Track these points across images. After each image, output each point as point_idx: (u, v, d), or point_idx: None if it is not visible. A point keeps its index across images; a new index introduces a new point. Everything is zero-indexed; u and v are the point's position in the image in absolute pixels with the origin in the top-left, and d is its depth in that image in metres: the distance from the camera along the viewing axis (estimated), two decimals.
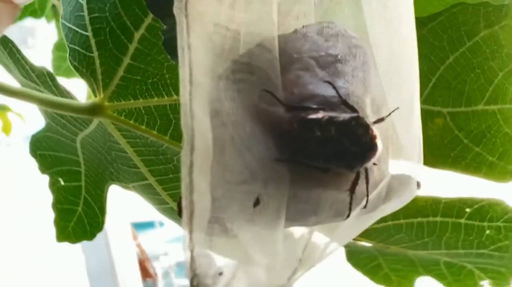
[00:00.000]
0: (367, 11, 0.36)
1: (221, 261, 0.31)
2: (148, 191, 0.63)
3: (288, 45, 0.34)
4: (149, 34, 0.54)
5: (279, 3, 0.34)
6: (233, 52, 0.32)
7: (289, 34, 0.35)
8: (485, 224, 0.53)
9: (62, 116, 0.61)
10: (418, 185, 0.37)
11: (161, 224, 2.31)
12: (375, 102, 0.34)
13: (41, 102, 0.57)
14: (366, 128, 0.32)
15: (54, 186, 0.66)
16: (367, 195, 0.34)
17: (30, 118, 1.35)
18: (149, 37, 0.54)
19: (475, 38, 0.48)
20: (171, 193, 0.61)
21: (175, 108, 0.56)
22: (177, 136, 0.57)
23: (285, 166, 0.32)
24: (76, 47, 0.57)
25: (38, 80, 0.58)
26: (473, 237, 0.53)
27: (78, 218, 0.66)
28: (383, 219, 0.42)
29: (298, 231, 0.36)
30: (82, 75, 0.58)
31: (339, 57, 0.33)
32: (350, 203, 0.34)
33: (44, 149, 0.65)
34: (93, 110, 0.57)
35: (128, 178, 0.63)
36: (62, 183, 0.66)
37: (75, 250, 1.67)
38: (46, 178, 0.67)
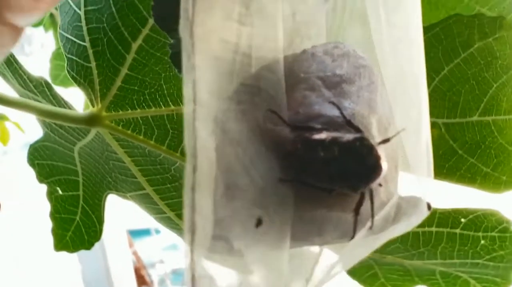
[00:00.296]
0: (376, 31, 0.36)
1: (223, 282, 0.31)
2: (145, 201, 0.63)
3: (296, 65, 0.34)
4: (147, 45, 0.54)
5: (290, 25, 0.34)
6: (238, 73, 0.32)
7: (298, 54, 0.35)
8: (480, 234, 0.53)
9: (60, 126, 0.61)
10: (429, 206, 0.37)
11: (157, 231, 2.31)
12: (382, 122, 0.34)
13: (39, 112, 0.57)
14: (371, 148, 0.32)
15: (52, 195, 0.66)
16: (372, 216, 0.34)
17: (27, 126, 1.35)
18: (147, 47, 0.54)
19: (470, 50, 0.49)
20: (169, 202, 0.61)
21: (173, 119, 0.57)
22: (175, 146, 0.58)
23: (289, 186, 0.32)
24: (74, 57, 0.57)
25: (36, 90, 0.59)
26: (468, 247, 0.53)
27: (76, 227, 0.67)
28: None
29: (307, 251, 0.36)
30: (80, 85, 0.58)
31: (345, 77, 0.33)
32: (355, 224, 0.33)
33: (42, 159, 0.65)
34: (90, 120, 0.57)
35: (126, 188, 0.63)
36: (60, 192, 0.66)
37: (71, 258, 1.66)
38: (43, 187, 0.67)
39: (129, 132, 0.58)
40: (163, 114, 0.57)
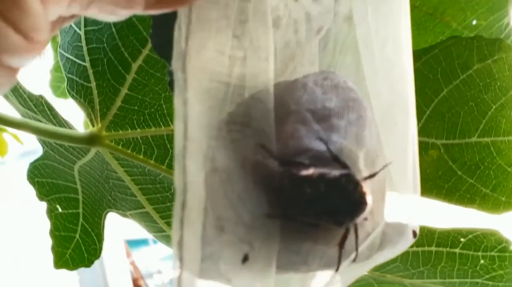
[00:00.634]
0: (368, 61, 0.36)
1: None
2: (145, 219, 0.63)
3: (287, 95, 0.34)
4: (147, 65, 0.55)
5: (284, 53, 0.35)
6: (230, 105, 0.32)
7: (290, 82, 0.35)
8: (480, 253, 0.53)
9: (60, 145, 0.61)
10: (414, 234, 0.37)
11: (155, 241, 2.30)
12: (370, 155, 0.34)
13: (39, 132, 0.57)
14: (356, 185, 0.33)
15: (51, 213, 0.66)
16: (357, 249, 0.34)
17: (25, 137, 1.35)
18: (147, 68, 0.55)
19: (469, 71, 0.49)
20: (169, 221, 0.62)
21: (173, 138, 0.57)
22: None
23: (276, 221, 0.32)
24: (74, 77, 0.57)
25: (36, 109, 0.59)
26: (467, 266, 0.54)
27: (76, 245, 0.67)
28: None
29: (294, 276, 0.36)
30: (80, 105, 0.58)
31: (335, 111, 0.33)
32: (339, 258, 0.34)
33: (42, 177, 0.65)
34: (90, 139, 0.58)
35: (126, 206, 0.63)
36: (60, 210, 0.66)
37: None
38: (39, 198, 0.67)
39: (129, 151, 0.58)
40: (163, 133, 0.57)
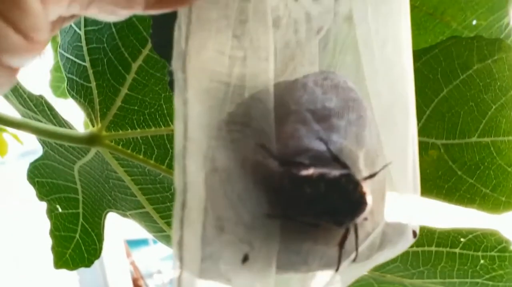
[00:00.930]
0: (368, 61, 0.36)
1: None
2: (145, 219, 0.63)
3: (287, 95, 0.34)
4: (147, 65, 0.55)
5: (284, 53, 0.35)
6: (230, 105, 0.32)
7: (290, 82, 0.35)
8: (480, 253, 0.53)
9: (60, 145, 0.61)
10: (414, 234, 0.37)
11: (155, 241, 2.30)
12: (370, 155, 0.34)
13: (39, 132, 0.57)
14: (356, 185, 0.33)
15: (51, 213, 0.66)
16: (356, 249, 0.34)
17: (25, 137, 1.35)
18: (147, 67, 0.55)
19: (469, 71, 0.49)
20: (169, 221, 0.61)
21: (173, 138, 0.57)
22: None
23: (276, 221, 0.32)
24: (74, 77, 0.57)
25: (36, 109, 0.59)
26: (467, 266, 0.54)
27: (76, 245, 0.67)
28: None
29: (294, 276, 0.36)
30: (80, 105, 0.58)
31: (335, 111, 0.33)
32: (339, 258, 0.34)
33: (42, 177, 0.65)
34: (90, 139, 0.58)
35: (126, 206, 0.63)
36: (60, 210, 0.66)
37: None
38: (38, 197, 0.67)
39: (129, 151, 0.58)
40: (163, 133, 0.57)
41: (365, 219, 0.34)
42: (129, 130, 0.57)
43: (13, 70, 0.26)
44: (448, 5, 0.54)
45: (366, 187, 0.33)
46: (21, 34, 0.25)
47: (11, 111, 0.61)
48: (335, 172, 0.32)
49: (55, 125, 0.59)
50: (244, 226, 0.31)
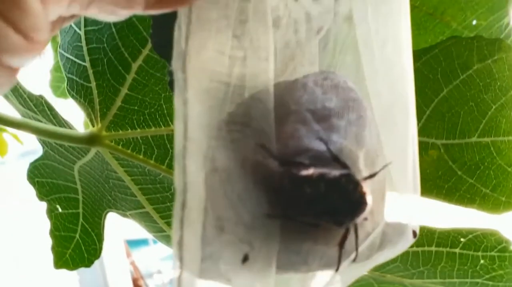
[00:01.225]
0: (368, 61, 0.36)
1: None
2: (145, 219, 0.63)
3: (287, 95, 0.34)
4: (147, 65, 0.55)
5: (284, 53, 0.35)
6: (230, 105, 0.32)
7: (290, 82, 0.35)
8: (480, 253, 0.53)
9: (60, 145, 0.61)
10: (414, 234, 0.37)
11: (155, 241, 2.30)
12: (370, 155, 0.34)
13: (39, 132, 0.57)
14: (356, 185, 0.33)
15: (51, 213, 0.66)
16: (356, 249, 0.34)
17: (25, 137, 1.35)
18: (147, 68, 0.55)
19: (469, 71, 0.49)
20: (169, 221, 0.61)
21: (173, 138, 0.57)
22: None
23: (276, 221, 0.32)
24: (74, 77, 0.57)
25: (36, 109, 0.59)
26: (467, 266, 0.54)
27: (76, 245, 0.67)
28: None
29: (294, 276, 0.36)
30: (80, 105, 0.58)
31: (335, 111, 0.33)
32: (339, 258, 0.34)
33: (42, 177, 0.65)
34: (90, 139, 0.58)
35: (126, 206, 0.63)
36: (60, 210, 0.66)
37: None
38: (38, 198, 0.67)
39: (129, 151, 0.58)
40: (163, 133, 0.57)
41: (365, 219, 0.34)
42: (129, 130, 0.57)
43: (13, 70, 0.26)
44: (448, 5, 0.54)
45: (366, 187, 0.33)
46: (21, 34, 0.25)
47: (11, 111, 0.61)
48: (335, 172, 0.32)
49: (55, 125, 0.59)
50: (244, 226, 0.31)
